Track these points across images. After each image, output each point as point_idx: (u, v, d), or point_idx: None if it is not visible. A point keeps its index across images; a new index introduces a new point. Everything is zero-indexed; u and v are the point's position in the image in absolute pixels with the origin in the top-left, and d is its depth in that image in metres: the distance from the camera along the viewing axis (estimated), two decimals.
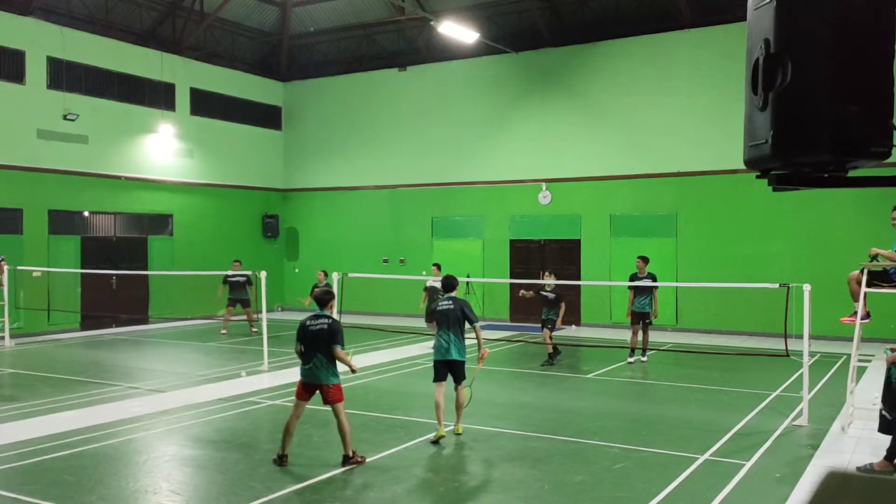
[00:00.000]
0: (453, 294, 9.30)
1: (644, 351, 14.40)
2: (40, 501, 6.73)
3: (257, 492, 6.97)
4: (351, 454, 7.75)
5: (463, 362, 8.95)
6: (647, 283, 14.08)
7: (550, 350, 14.10)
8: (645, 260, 14.34)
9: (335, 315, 8.14)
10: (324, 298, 8.07)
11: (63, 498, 6.86)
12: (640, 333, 14.20)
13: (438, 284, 15.05)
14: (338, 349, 7.71)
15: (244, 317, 19.18)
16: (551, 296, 14.02)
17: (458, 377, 8.96)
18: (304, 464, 7.76)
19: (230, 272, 18.67)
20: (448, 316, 8.99)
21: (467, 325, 9.04)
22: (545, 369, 13.66)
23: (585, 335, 18.56)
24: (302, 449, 8.39)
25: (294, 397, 8.00)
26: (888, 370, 7.57)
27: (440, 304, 9.18)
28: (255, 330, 18.10)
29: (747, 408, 10.44)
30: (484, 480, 7.37)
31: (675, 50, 19.50)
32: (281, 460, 7.78)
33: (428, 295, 15.96)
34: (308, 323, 7.83)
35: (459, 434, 8.95)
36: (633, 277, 14.31)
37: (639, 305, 14.08)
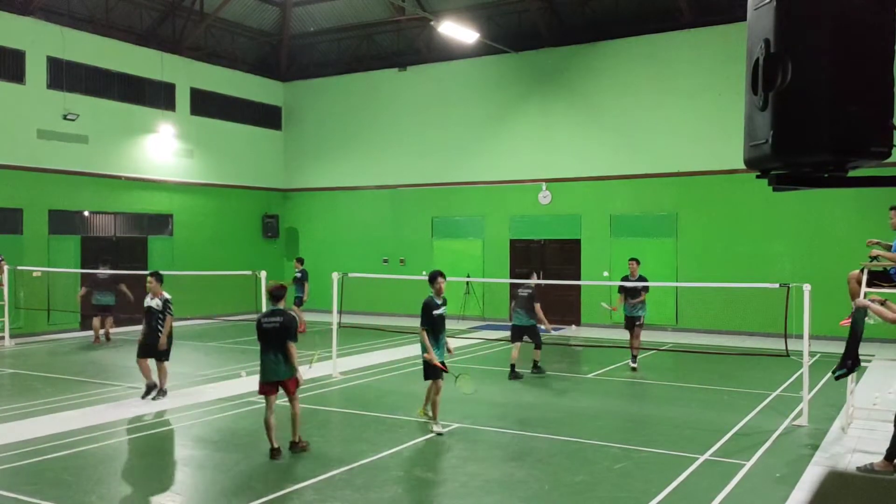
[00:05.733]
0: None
1: (634, 357, 13.82)
2: (40, 501, 6.73)
3: (257, 492, 6.97)
4: None
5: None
6: (638, 284, 13.63)
7: (537, 358, 13.31)
8: (637, 262, 13.93)
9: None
10: None
11: (63, 498, 6.86)
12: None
13: (155, 303, 11.11)
14: None
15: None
16: (527, 292, 13.09)
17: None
18: (304, 464, 7.75)
19: (98, 271, 17.19)
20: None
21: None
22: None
23: (585, 335, 18.56)
24: None
25: None
26: None
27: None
28: (108, 340, 17.25)
29: (747, 408, 10.44)
30: (484, 480, 7.37)
31: (675, 50, 19.50)
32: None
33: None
34: None
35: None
36: (625, 279, 13.95)
37: (631, 309, 13.71)
